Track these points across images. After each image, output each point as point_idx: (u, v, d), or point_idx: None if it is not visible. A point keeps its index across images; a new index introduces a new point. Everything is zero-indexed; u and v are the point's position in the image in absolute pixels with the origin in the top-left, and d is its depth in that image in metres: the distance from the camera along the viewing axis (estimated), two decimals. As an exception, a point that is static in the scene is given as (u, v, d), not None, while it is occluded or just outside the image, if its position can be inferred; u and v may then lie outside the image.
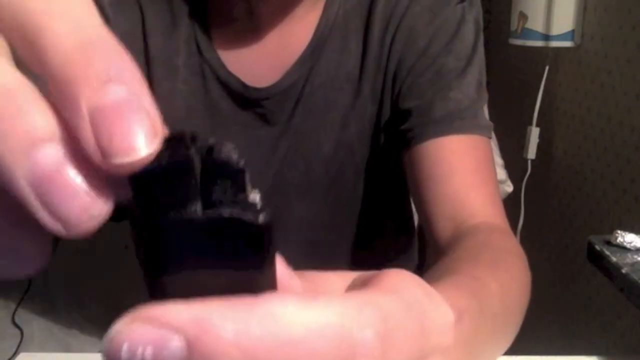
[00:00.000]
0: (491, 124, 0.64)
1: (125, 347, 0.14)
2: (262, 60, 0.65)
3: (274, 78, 0.65)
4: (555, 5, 1.39)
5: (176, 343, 0.14)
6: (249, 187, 0.17)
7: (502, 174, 1.55)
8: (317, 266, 0.24)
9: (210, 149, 0.16)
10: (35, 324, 1.56)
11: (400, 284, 0.20)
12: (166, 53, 0.64)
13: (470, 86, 0.63)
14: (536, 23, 1.43)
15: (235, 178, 0.16)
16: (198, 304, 0.15)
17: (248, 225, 0.16)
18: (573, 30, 1.40)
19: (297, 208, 0.71)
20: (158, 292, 0.16)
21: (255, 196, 0.17)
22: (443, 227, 0.58)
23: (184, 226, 0.16)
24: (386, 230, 0.79)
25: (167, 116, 0.63)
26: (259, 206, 0.17)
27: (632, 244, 0.68)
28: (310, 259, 0.74)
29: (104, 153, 0.14)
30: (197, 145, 0.16)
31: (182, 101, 0.65)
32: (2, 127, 0.14)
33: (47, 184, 0.14)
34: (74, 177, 0.14)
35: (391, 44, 0.64)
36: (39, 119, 0.14)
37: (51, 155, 0.14)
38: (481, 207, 0.58)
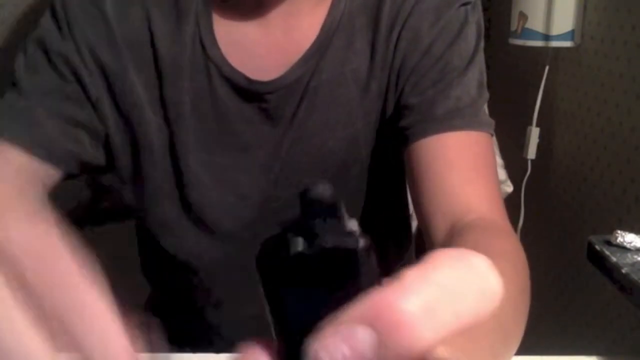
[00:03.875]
0: (492, 120, 0.64)
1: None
2: (268, 56, 0.66)
3: (279, 73, 0.65)
4: (555, 5, 1.39)
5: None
6: (345, 217, 0.19)
7: (502, 174, 1.55)
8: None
9: (305, 190, 0.19)
10: (35, 324, 1.57)
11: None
12: (173, 53, 0.65)
13: (471, 85, 0.63)
14: (536, 23, 1.43)
15: (331, 211, 0.19)
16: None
17: (350, 251, 0.18)
18: (573, 30, 1.40)
19: None
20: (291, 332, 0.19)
21: (353, 224, 0.19)
22: (438, 227, 0.58)
23: (296, 263, 0.18)
24: (387, 226, 0.79)
25: (175, 114, 0.64)
26: (357, 233, 0.19)
27: (632, 244, 0.68)
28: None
29: None
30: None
31: (189, 99, 0.66)
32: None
33: None
34: None
35: (397, 42, 0.64)
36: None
37: None
38: (477, 203, 0.58)
